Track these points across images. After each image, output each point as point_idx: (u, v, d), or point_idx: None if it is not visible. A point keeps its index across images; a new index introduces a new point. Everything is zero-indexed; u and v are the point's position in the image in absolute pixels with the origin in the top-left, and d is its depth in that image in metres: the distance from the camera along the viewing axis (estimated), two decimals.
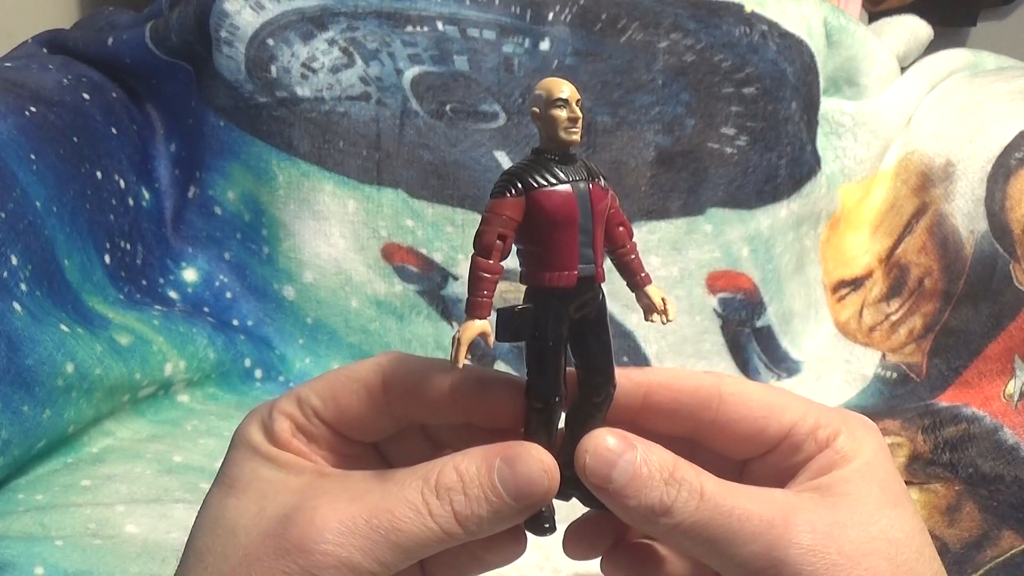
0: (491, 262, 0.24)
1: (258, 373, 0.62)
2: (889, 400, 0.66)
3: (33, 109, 0.55)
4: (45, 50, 0.68)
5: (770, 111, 0.69)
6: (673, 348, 0.67)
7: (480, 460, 0.25)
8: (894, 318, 0.69)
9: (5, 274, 0.47)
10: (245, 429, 0.27)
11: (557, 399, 0.26)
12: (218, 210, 0.65)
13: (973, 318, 0.63)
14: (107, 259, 0.58)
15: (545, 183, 0.24)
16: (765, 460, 0.28)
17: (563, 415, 0.27)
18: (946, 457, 0.57)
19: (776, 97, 0.69)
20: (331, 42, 0.63)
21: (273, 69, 0.63)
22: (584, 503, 0.28)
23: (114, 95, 0.65)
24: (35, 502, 0.45)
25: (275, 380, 0.63)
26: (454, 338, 0.24)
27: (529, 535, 0.28)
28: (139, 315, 0.57)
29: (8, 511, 0.44)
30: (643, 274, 0.26)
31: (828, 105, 0.74)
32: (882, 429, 0.61)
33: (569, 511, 0.29)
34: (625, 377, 0.28)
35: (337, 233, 0.64)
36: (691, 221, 0.67)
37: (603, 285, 0.26)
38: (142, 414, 0.56)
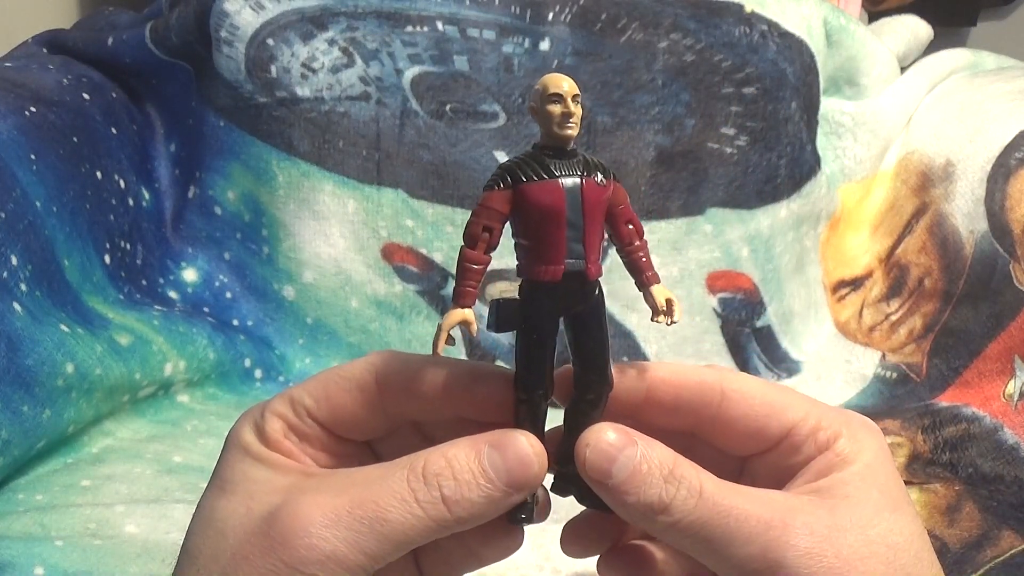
0: (476, 252, 0.25)
1: (258, 373, 0.62)
2: (889, 400, 0.66)
3: (33, 109, 0.55)
4: (45, 50, 0.68)
5: (770, 111, 0.69)
6: (673, 348, 0.67)
7: (468, 447, 0.25)
8: (894, 318, 0.69)
9: (5, 274, 0.47)
10: (238, 430, 0.27)
11: (541, 392, 0.26)
12: (218, 210, 0.65)
13: (973, 318, 0.63)
14: (107, 259, 0.58)
15: (534, 177, 0.24)
16: (765, 458, 0.28)
17: (566, 411, 0.28)
18: (946, 457, 0.57)
19: (776, 97, 0.69)
20: (331, 42, 0.63)
21: (273, 69, 0.63)
22: (580, 501, 0.28)
23: (114, 95, 0.65)
24: (35, 502, 0.45)
25: (275, 380, 0.63)
26: (438, 325, 0.25)
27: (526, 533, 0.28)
28: (139, 315, 0.57)
29: (8, 511, 0.44)
30: (649, 273, 0.26)
31: (828, 105, 0.74)
32: (882, 429, 0.61)
33: (570, 509, 0.29)
34: (628, 373, 0.27)
35: (337, 233, 0.64)
36: (691, 221, 0.67)
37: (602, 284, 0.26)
38: (142, 414, 0.56)
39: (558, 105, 0.24)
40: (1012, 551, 0.49)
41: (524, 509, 0.27)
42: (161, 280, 0.64)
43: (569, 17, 0.66)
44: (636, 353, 0.66)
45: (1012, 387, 0.58)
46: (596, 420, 0.26)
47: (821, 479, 0.26)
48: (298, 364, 0.64)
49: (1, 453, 0.44)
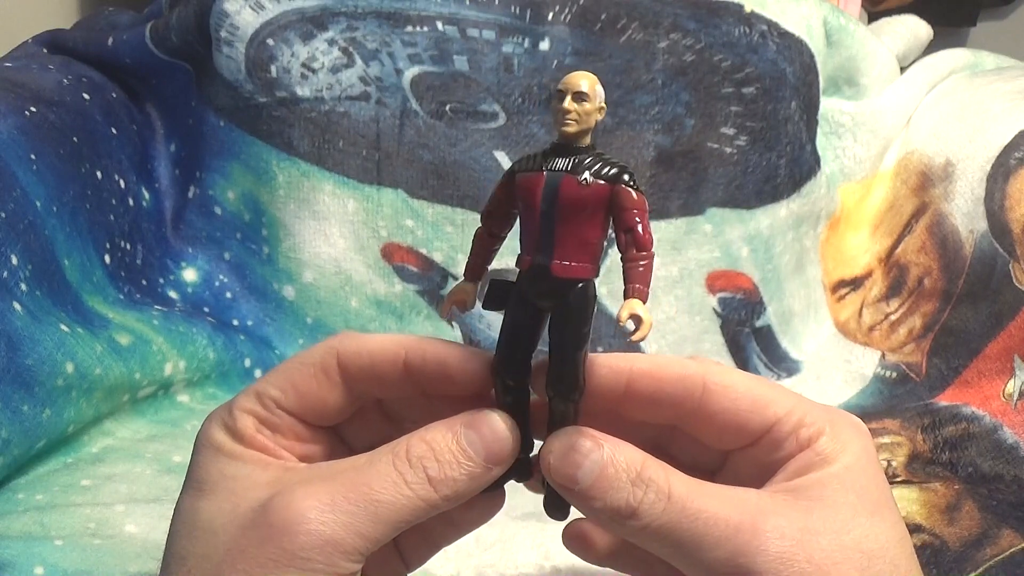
0: (481, 228, 0.27)
1: (258, 373, 0.62)
2: (889, 400, 0.66)
3: (33, 109, 0.55)
4: (45, 50, 0.68)
5: (770, 111, 0.69)
6: (673, 348, 0.67)
7: (445, 429, 0.26)
8: (894, 318, 0.69)
9: (5, 274, 0.47)
10: (207, 431, 0.27)
11: (508, 377, 0.26)
12: (218, 210, 0.65)
13: (973, 318, 0.63)
14: (107, 259, 0.58)
15: (526, 168, 0.25)
16: (746, 453, 0.27)
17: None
18: (946, 456, 0.57)
19: (776, 97, 0.69)
20: (331, 42, 0.63)
21: (273, 69, 0.63)
22: (548, 511, 0.28)
23: (114, 95, 0.65)
24: (35, 502, 0.45)
25: None
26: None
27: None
28: (139, 315, 0.57)
29: (8, 511, 0.44)
30: (634, 286, 0.25)
31: (828, 105, 0.74)
32: (882, 429, 0.61)
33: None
34: (606, 365, 0.27)
35: (337, 233, 0.64)
36: (691, 221, 0.67)
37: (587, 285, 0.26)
38: (142, 414, 0.56)
39: (560, 102, 0.24)
40: (1012, 550, 0.49)
41: (502, 479, 0.27)
42: (161, 280, 0.64)
43: (569, 17, 0.66)
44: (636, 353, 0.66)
45: (1012, 386, 0.58)
46: (571, 420, 0.26)
47: (798, 477, 0.26)
48: None
49: (1, 453, 0.44)
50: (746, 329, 0.69)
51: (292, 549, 0.24)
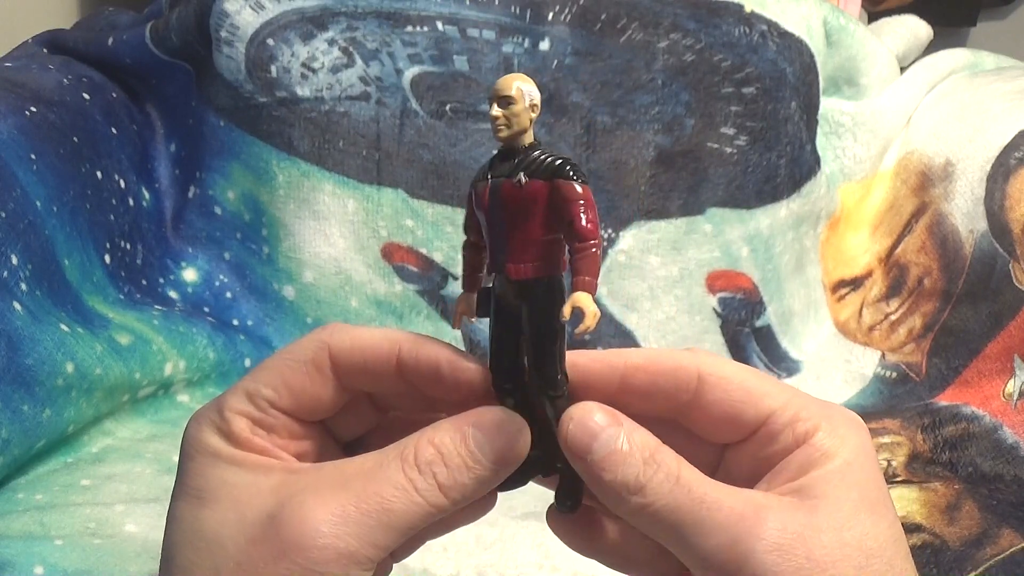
0: (466, 239, 0.27)
1: None
2: (889, 399, 0.66)
3: (33, 109, 0.55)
4: (45, 50, 0.68)
5: (770, 111, 0.69)
6: (673, 347, 0.67)
7: (453, 430, 0.25)
8: (894, 318, 0.69)
9: (5, 274, 0.47)
10: (198, 436, 0.27)
11: (501, 381, 0.27)
12: (218, 210, 0.65)
13: (972, 317, 0.63)
14: (107, 259, 0.58)
15: (477, 179, 0.26)
16: (743, 448, 0.27)
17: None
18: (946, 456, 0.57)
19: (776, 97, 0.69)
20: (331, 42, 0.63)
21: (273, 69, 0.63)
22: (558, 502, 0.28)
23: (114, 95, 0.65)
24: (35, 502, 0.45)
25: None
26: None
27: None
28: (139, 315, 0.57)
29: (8, 511, 0.44)
30: (579, 278, 0.24)
31: (828, 105, 0.74)
32: (882, 428, 0.61)
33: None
34: (600, 360, 0.27)
35: (337, 233, 0.64)
36: (691, 221, 0.67)
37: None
38: (142, 414, 0.56)
39: (490, 109, 0.25)
40: (1012, 549, 0.49)
41: (521, 477, 0.27)
42: (161, 280, 0.64)
43: (569, 17, 0.66)
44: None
45: (1012, 386, 0.58)
46: (554, 415, 0.26)
47: (800, 477, 0.25)
48: None
49: (1, 452, 0.44)
50: (746, 329, 0.69)
51: (307, 564, 0.23)
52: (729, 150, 0.68)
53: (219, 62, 0.63)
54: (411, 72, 0.64)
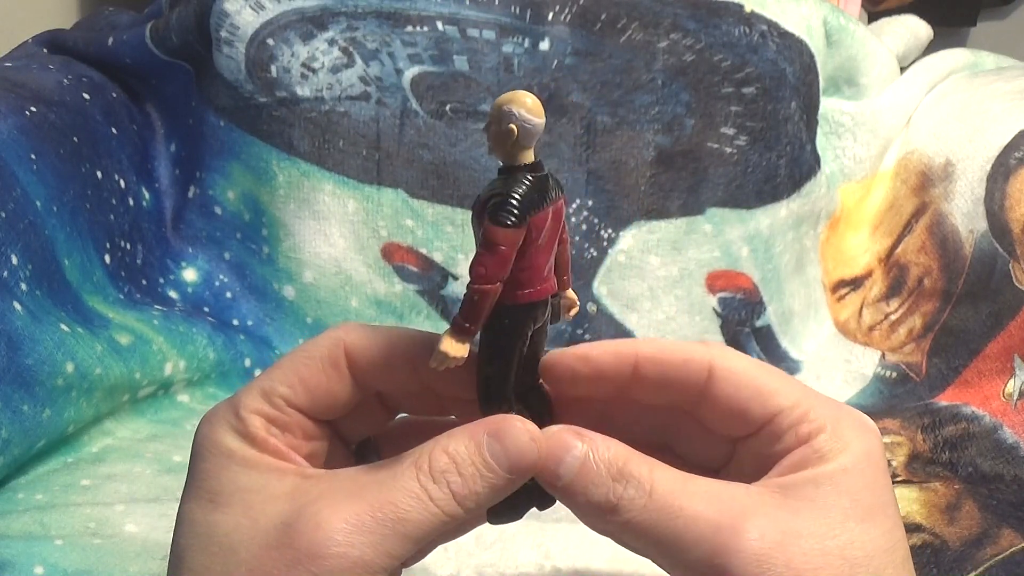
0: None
1: (258, 373, 0.62)
2: (889, 399, 0.66)
3: (33, 109, 0.55)
4: (45, 50, 0.68)
5: (770, 111, 0.69)
6: None
7: (467, 439, 0.25)
8: (894, 318, 0.69)
9: (5, 274, 0.47)
10: (213, 435, 0.27)
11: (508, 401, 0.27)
12: (218, 210, 0.65)
13: (972, 317, 0.63)
14: (107, 259, 0.58)
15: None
16: (748, 444, 0.27)
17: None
18: (946, 456, 0.57)
19: (776, 97, 0.69)
20: (331, 42, 0.63)
21: (273, 69, 0.63)
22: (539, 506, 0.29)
23: (114, 95, 0.65)
24: (35, 502, 0.45)
25: None
26: None
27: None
28: (139, 315, 0.57)
29: (8, 511, 0.44)
30: (454, 316, 0.26)
31: (828, 105, 0.74)
32: (882, 428, 0.61)
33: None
34: (612, 351, 0.27)
35: (337, 233, 0.64)
36: (691, 221, 0.67)
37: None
38: (142, 414, 0.56)
39: None
40: (1012, 549, 0.49)
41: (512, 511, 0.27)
42: (161, 280, 0.64)
43: (569, 17, 0.66)
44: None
45: (1012, 386, 0.58)
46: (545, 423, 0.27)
47: (792, 474, 0.25)
48: None
49: (1, 452, 0.44)
50: (746, 329, 0.69)
51: (321, 572, 0.23)
52: (729, 150, 0.68)
53: (219, 62, 0.63)
54: (411, 72, 0.64)
